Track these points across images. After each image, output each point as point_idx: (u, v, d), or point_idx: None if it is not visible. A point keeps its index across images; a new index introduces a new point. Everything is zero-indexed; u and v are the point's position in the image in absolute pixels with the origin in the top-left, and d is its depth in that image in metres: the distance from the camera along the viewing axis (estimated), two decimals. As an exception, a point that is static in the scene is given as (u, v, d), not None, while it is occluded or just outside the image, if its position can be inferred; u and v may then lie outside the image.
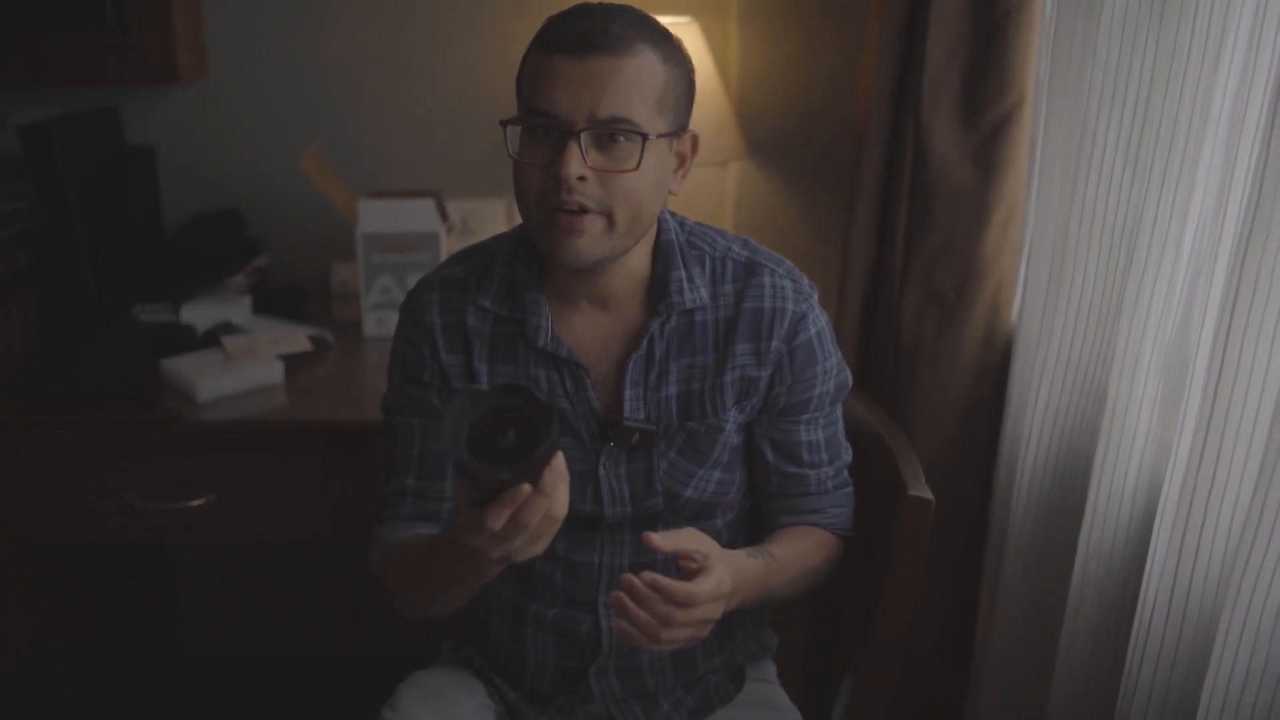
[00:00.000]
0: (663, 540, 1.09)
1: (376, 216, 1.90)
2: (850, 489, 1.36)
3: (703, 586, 1.08)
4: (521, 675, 1.36)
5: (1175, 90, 1.23)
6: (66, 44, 1.86)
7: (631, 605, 1.06)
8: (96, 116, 1.97)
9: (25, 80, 1.95)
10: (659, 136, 1.14)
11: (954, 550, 1.73)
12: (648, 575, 1.07)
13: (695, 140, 1.21)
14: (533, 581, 1.30)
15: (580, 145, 1.10)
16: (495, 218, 2.08)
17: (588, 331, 1.25)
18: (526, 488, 0.95)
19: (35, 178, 1.82)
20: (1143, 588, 1.23)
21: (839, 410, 1.34)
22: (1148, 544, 1.25)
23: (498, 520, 0.96)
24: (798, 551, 1.28)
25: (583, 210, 1.12)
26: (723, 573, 1.10)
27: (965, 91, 1.58)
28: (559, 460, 0.97)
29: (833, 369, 1.30)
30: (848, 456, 1.35)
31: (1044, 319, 1.49)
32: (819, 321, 1.28)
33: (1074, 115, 1.41)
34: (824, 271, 2.11)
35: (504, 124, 1.17)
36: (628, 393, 1.24)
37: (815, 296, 1.29)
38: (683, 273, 1.24)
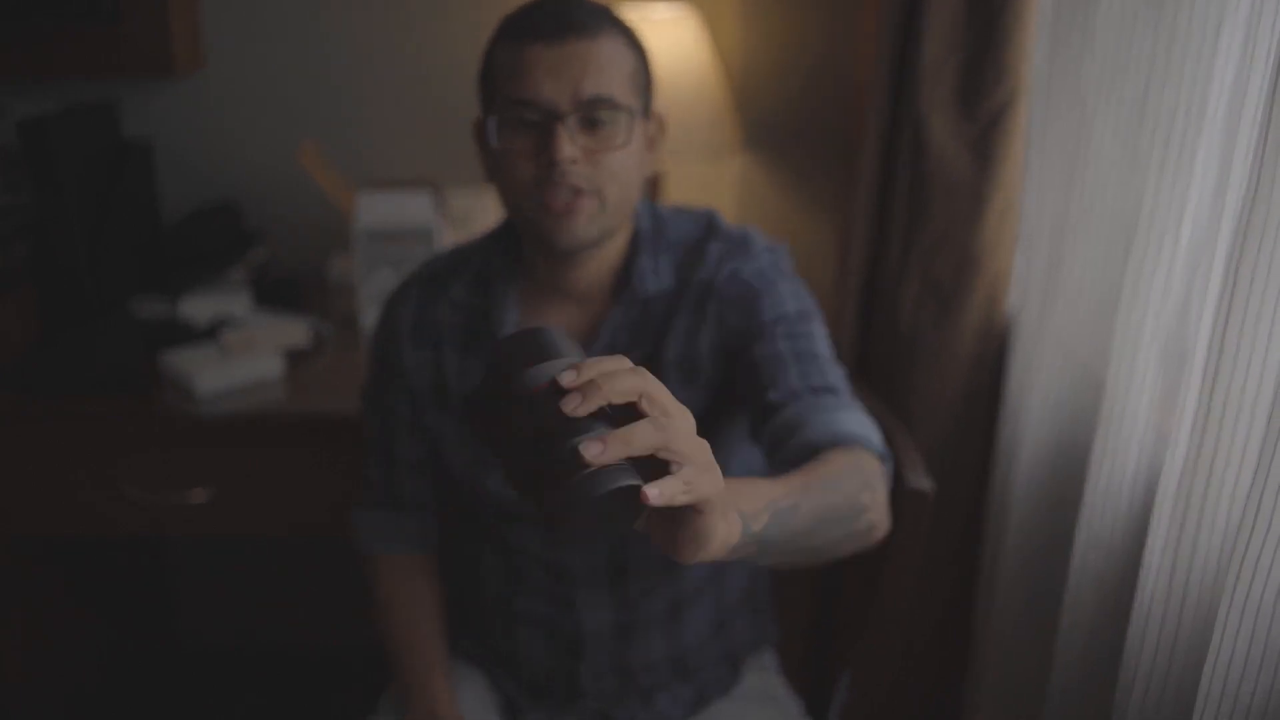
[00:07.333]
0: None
1: (372, 210, 1.89)
2: (842, 399, 1.13)
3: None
4: (518, 668, 1.36)
5: (1173, 80, 1.23)
6: (61, 35, 1.86)
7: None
8: (93, 111, 1.96)
9: (20, 72, 1.95)
10: (639, 115, 1.15)
11: (952, 540, 1.73)
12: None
13: (662, 122, 1.23)
14: (519, 578, 1.31)
15: (568, 129, 1.11)
16: (497, 209, 2.08)
17: (556, 324, 1.24)
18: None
19: (32, 172, 1.82)
20: (1141, 577, 1.23)
21: (811, 328, 1.20)
22: (1146, 534, 1.25)
23: None
24: (800, 471, 1.00)
25: (577, 192, 1.12)
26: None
27: (962, 82, 1.58)
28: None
29: (785, 294, 1.21)
30: (832, 376, 1.16)
31: (1041, 309, 1.49)
32: (759, 260, 1.23)
33: (1071, 105, 1.41)
34: (822, 262, 2.12)
35: (480, 119, 1.18)
36: None
37: (760, 243, 1.23)
38: (649, 261, 1.23)
